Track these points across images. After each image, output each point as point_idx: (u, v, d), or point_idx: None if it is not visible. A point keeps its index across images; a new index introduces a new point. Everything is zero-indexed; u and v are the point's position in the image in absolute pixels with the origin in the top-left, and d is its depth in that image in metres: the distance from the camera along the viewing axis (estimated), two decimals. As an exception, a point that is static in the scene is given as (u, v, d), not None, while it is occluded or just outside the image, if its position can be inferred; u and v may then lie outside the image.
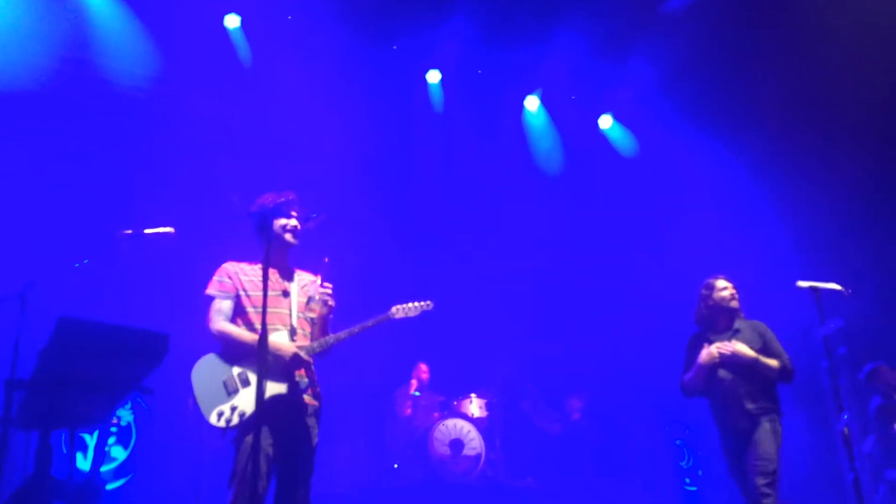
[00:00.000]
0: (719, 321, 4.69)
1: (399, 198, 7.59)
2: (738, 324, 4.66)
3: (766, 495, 4.22)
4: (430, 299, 4.04)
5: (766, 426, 4.40)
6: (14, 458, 2.97)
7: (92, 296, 4.64)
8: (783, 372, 4.51)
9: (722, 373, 4.52)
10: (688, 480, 7.35)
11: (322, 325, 3.86)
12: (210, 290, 3.75)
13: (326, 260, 3.84)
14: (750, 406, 4.43)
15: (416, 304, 4.01)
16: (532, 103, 7.95)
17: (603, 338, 7.73)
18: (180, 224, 3.90)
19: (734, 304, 4.69)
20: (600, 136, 8.16)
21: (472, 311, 7.72)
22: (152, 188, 5.92)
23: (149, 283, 5.47)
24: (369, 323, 3.85)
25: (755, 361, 4.47)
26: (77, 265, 3.94)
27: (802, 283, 4.39)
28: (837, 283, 4.41)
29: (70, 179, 5.63)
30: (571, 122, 8.03)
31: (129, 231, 3.80)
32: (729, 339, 4.57)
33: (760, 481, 4.25)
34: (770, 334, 4.65)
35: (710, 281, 4.76)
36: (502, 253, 7.95)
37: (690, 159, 7.67)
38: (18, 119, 5.37)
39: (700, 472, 6.79)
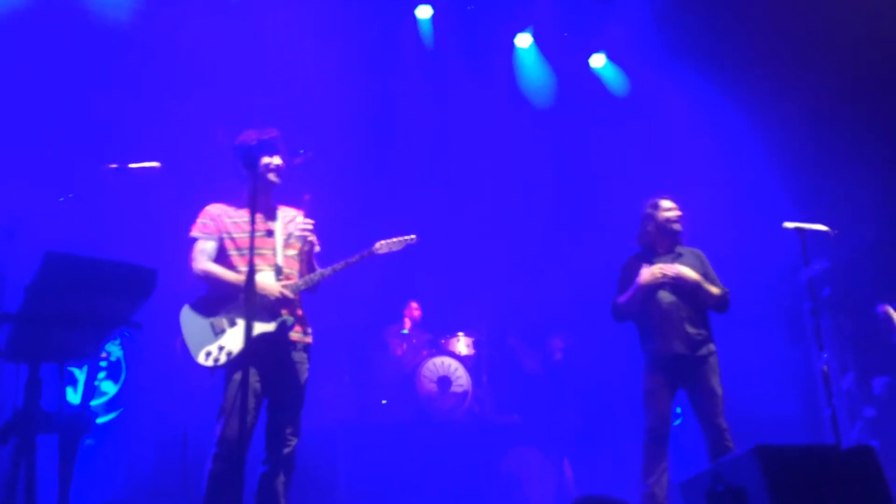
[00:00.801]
0: (661, 243, 4.57)
1: (386, 134, 7.52)
2: (679, 248, 4.57)
3: (727, 429, 4.24)
4: (415, 234, 4.04)
5: (710, 362, 4.36)
6: (4, 391, 2.98)
7: (78, 230, 4.62)
8: (722, 300, 4.43)
9: (662, 294, 4.41)
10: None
11: (307, 262, 3.86)
12: (194, 232, 3.75)
13: (307, 197, 3.81)
14: (691, 331, 4.36)
15: (400, 238, 4.01)
16: (524, 40, 7.82)
17: (587, 277, 7.76)
18: (167, 159, 3.85)
19: (678, 226, 4.58)
20: (592, 76, 8.06)
21: (460, 250, 7.74)
22: (138, 122, 5.84)
23: (135, 217, 5.45)
24: (354, 259, 3.86)
25: (698, 286, 4.37)
26: (61, 199, 3.90)
27: (788, 224, 4.41)
28: (824, 224, 4.44)
29: (54, 112, 5.53)
30: (563, 60, 7.93)
31: (115, 165, 3.75)
32: (671, 262, 4.46)
33: (722, 422, 4.25)
34: (708, 263, 4.57)
35: (657, 200, 4.63)
36: (491, 191, 7.92)
37: (682, 100, 7.60)
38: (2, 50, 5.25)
39: (679, 409, 6.91)
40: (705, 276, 4.45)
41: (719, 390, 4.34)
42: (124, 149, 4.25)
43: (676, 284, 4.37)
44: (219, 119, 4.91)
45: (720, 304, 4.45)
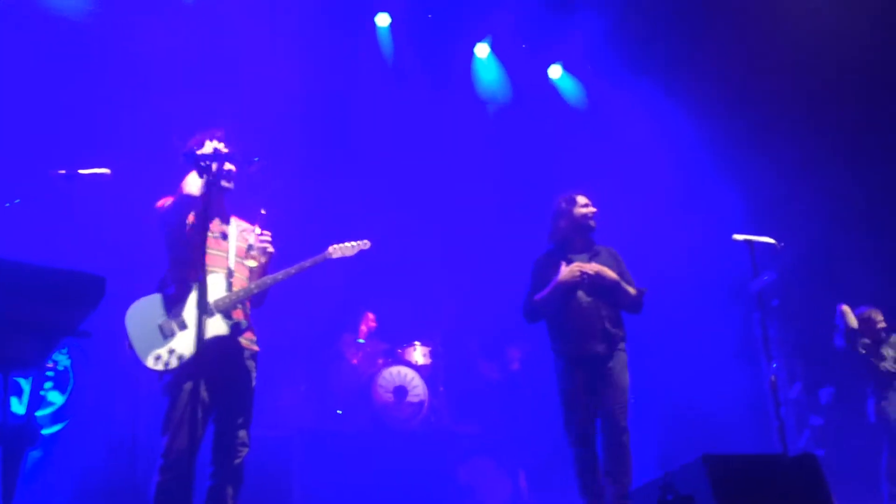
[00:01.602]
0: (576, 240, 4.48)
1: (343, 142, 7.51)
2: (596, 247, 4.51)
3: (627, 431, 4.20)
4: (369, 241, 4.06)
5: (622, 358, 4.32)
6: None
7: (25, 237, 4.52)
8: (638, 300, 4.41)
9: (581, 294, 4.33)
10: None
11: (261, 274, 3.85)
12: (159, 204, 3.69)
13: (264, 212, 3.82)
14: (611, 330, 4.31)
15: (353, 243, 4.04)
16: (482, 50, 7.89)
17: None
18: (117, 165, 3.80)
19: (593, 223, 4.50)
20: (550, 86, 8.16)
21: (416, 259, 7.74)
22: (88, 127, 5.73)
23: (85, 225, 5.35)
24: (307, 263, 3.85)
25: (617, 285, 4.34)
26: (7, 205, 3.82)
27: (738, 237, 4.50)
28: (772, 237, 4.56)
29: (1, 116, 5.41)
30: (521, 70, 8.01)
31: (63, 171, 3.68)
32: (588, 261, 4.41)
33: (623, 420, 4.20)
34: (623, 262, 4.53)
35: (573, 195, 4.54)
36: (447, 200, 7.94)
37: (636, 111, 7.73)
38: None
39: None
40: (621, 275, 4.41)
41: (626, 387, 4.31)
42: (74, 154, 4.16)
43: (594, 283, 4.31)
44: (172, 124, 4.86)
45: (635, 304, 4.42)
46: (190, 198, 3.57)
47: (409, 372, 7.09)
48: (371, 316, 7.65)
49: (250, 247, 3.81)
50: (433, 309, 7.83)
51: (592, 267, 4.33)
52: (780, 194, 7.00)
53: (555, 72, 8.12)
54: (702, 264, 4.96)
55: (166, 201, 3.68)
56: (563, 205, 4.50)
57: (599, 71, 7.83)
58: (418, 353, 7.37)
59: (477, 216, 8.05)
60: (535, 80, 8.09)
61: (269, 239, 3.80)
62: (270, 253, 3.81)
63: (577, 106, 8.20)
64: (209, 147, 3.65)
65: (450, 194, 7.95)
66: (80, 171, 3.73)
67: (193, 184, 3.56)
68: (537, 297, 4.38)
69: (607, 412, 4.24)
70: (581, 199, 4.53)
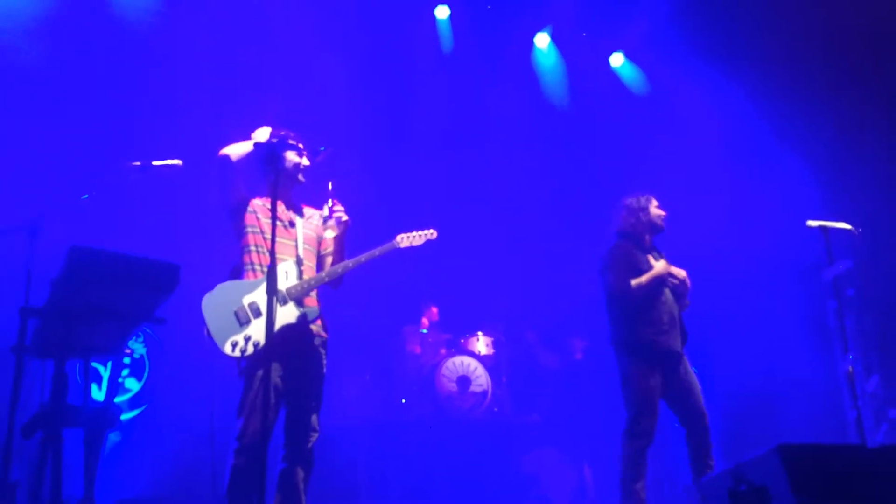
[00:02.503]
0: (645, 239, 4.57)
1: (405, 134, 7.51)
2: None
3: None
4: (434, 229, 4.07)
5: (686, 364, 4.44)
6: (30, 387, 3.02)
7: (103, 227, 4.66)
8: (683, 310, 4.55)
9: (667, 292, 4.44)
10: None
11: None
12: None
13: (331, 186, 3.83)
14: (683, 332, 4.43)
15: (420, 232, 4.04)
16: (542, 40, 7.81)
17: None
18: (188, 156, 3.88)
19: (663, 226, 4.62)
20: (611, 74, 8.02)
21: (479, 250, 7.73)
22: (161, 121, 5.87)
23: (159, 214, 5.49)
24: (376, 252, 3.88)
25: (686, 291, 4.46)
26: (85, 196, 3.95)
27: (812, 223, 4.36)
28: (849, 223, 4.38)
29: (78, 111, 5.59)
30: (582, 59, 7.90)
31: (138, 163, 3.78)
32: (661, 261, 4.50)
33: (707, 421, 4.32)
34: None
35: (647, 196, 4.65)
36: (510, 191, 7.90)
37: (703, 97, 7.54)
38: (26, 52, 5.31)
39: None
40: None
41: (699, 389, 4.43)
42: (148, 147, 4.28)
43: (676, 285, 4.46)
44: (239, 118, 4.94)
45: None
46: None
47: (472, 362, 7.11)
48: (434, 310, 7.68)
49: (326, 219, 3.82)
50: (496, 299, 7.80)
51: (681, 272, 4.45)
52: (857, 180, 6.72)
53: (616, 60, 7.98)
54: (772, 251, 4.81)
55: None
56: (639, 202, 4.60)
57: (662, 57, 7.65)
58: (481, 344, 7.37)
59: (538, 206, 7.98)
60: (597, 69, 7.96)
61: (343, 208, 3.83)
62: (346, 222, 3.83)
63: (640, 93, 8.04)
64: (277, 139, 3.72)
65: (512, 184, 7.90)
66: (154, 163, 3.81)
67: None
68: (635, 283, 4.40)
69: (692, 404, 4.35)
70: (655, 202, 4.65)
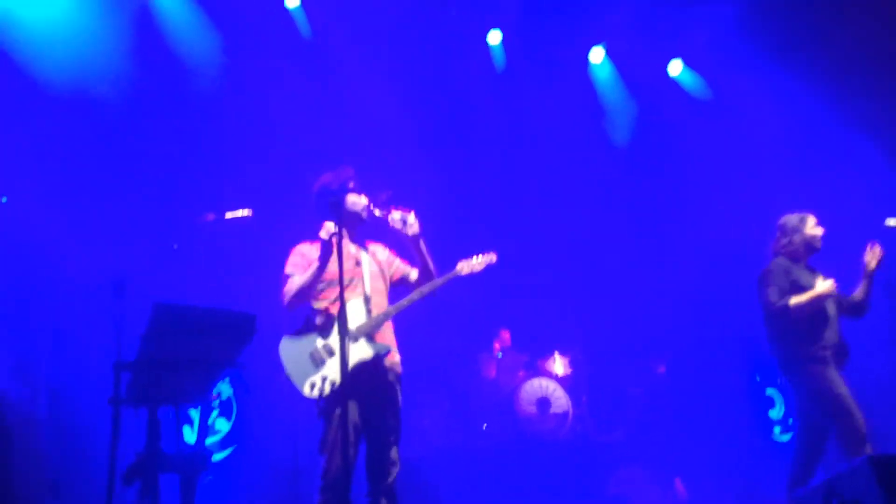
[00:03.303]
0: (802, 258, 4.63)
1: (466, 158, 7.60)
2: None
3: None
4: (497, 253, 4.16)
5: None
6: (126, 435, 3.23)
7: (181, 279, 4.90)
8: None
9: (831, 309, 4.51)
10: (778, 430, 7.21)
11: (420, 252, 3.97)
12: (287, 269, 3.93)
13: (386, 194, 3.95)
14: (845, 350, 4.51)
15: (480, 258, 4.13)
16: (597, 55, 7.81)
17: (684, 288, 7.59)
18: (257, 206, 4.08)
19: (820, 245, 4.65)
20: (671, 83, 7.95)
21: (545, 268, 7.73)
22: (228, 174, 6.13)
23: (232, 265, 5.72)
24: (438, 282, 3.99)
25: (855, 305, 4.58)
26: (175, 246, 4.17)
27: (892, 221, 4.28)
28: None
29: (147, 170, 5.88)
30: (639, 70, 7.85)
31: (212, 216, 3.99)
32: (818, 279, 4.52)
33: None
34: None
35: (805, 215, 4.68)
36: (577, 207, 7.88)
37: (770, 100, 7.37)
38: (106, 120, 5.65)
39: (791, 421, 6.66)
40: None
41: None
42: (218, 200, 4.51)
43: (837, 301, 4.58)
44: (301, 161, 5.15)
45: None
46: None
47: (550, 383, 7.11)
48: (506, 334, 7.69)
49: (404, 220, 3.89)
50: (569, 317, 7.80)
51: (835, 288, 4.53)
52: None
53: (675, 68, 7.90)
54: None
55: (296, 283, 3.86)
56: (797, 222, 4.68)
57: (724, 61, 7.52)
58: (558, 364, 7.38)
59: (606, 220, 7.93)
60: (654, 79, 7.89)
61: (403, 211, 3.91)
62: (412, 224, 3.89)
63: (702, 99, 7.93)
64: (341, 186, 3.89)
65: (578, 199, 7.87)
66: (227, 215, 4.00)
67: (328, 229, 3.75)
68: (794, 302, 4.46)
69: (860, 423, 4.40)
70: (812, 220, 4.70)
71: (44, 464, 4.82)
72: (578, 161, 7.83)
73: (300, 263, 3.92)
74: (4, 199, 4.52)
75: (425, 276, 4.03)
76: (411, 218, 3.90)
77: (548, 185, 7.86)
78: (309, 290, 3.82)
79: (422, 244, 3.98)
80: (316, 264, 3.78)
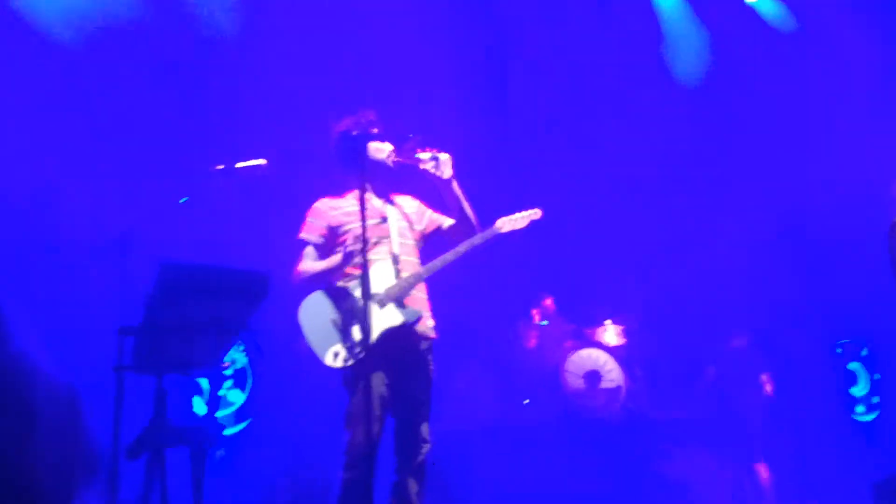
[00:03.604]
0: None
1: (505, 103, 7.57)
2: None
3: None
4: (541, 209, 4.14)
5: None
6: (131, 405, 3.34)
7: (191, 236, 5.00)
8: None
9: None
10: (861, 409, 7.15)
11: (454, 197, 3.99)
12: (302, 234, 3.99)
13: (413, 140, 3.95)
14: None
15: (523, 214, 4.12)
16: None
17: (758, 251, 7.46)
18: (272, 155, 4.12)
19: None
20: (747, 10, 7.75)
21: (600, 226, 7.71)
22: (240, 121, 6.18)
23: (245, 218, 5.81)
24: (476, 239, 4.00)
25: None
26: (184, 199, 4.25)
27: None
28: None
29: (150, 121, 5.96)
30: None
31: (222, 166, 4.04)
32: None
33: None
34: None
35: None
36: (633, 155, 7.78)
37: (867, 35, 7.13)
38: (106, 63, 5.75)
39: (877, 399, 6.60)
40: None
41: None
42: (229, 149, 4.58)
43: None
44: (319, 104, 5.17)
45: None
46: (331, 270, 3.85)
47: (601, 354, 7.13)
48: (549, 301, 7.68)
49: (436, 160, 3.91)
50: (623, 280, 7.76)
51: None
52: None
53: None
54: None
55: (305, 269, 3.92)
56: None
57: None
58: (610, 333, 7.38)
59: (668, 169, 7.85)
60: (728, 6, 7.70)
61: (434, 150, 3.93)
62: (443, 161, 3.90)
63: (784, 31, 7.71)
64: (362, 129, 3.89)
65: (632, 146, 7.76)
66: (238, 165, 4.05)
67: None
68: None
69: None
70: None
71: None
72: (638, 102, 7.71)
73: (317, 226, 3.97)
74: None
75: (464, 224, 4.04)
76: (444, 156, 3.91)
77: (600, 129, 7.77)
78: (328, 279, 3.87)
79: (457, 187, 3.99)
80: (338, 259, 3.82)
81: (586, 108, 7.73)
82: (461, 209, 4.04)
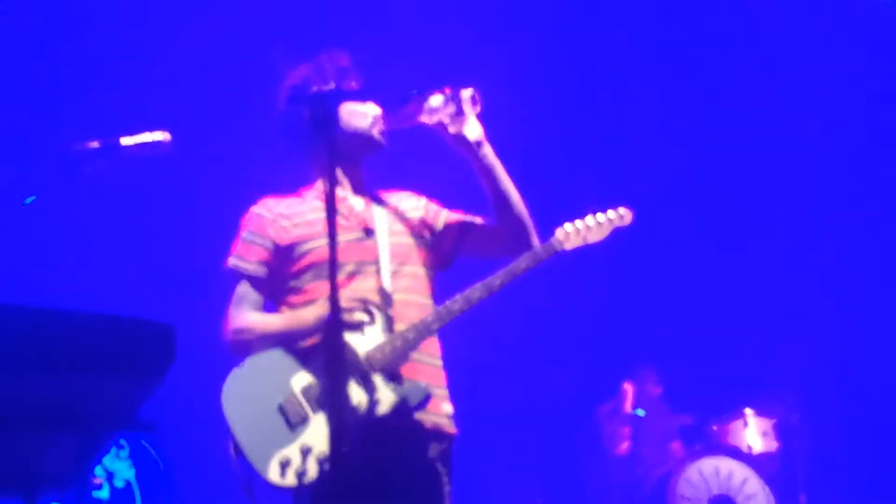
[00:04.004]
0: None
1: (568, 54, 7.91)
2: None
3: None
4: (629, 208, 4.17)
5: None
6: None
7: (39, 259, 4.95)
8: None
9: None
10: None
11: (487, 173, 4.02)
12: (233, 260, 4.01)
13: (414, 98, 3.96)
14: None
15: (600, 217, 4.12)
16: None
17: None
18: (180, 126, 4.07)
19: None
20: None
21: (731, 252, 8.03)
22: (126, 75, 6.28)
23: (135, 228, 5.79)
24: (521, 264, 3.97)
25: None
26: (30, 199, 4.22)
27: None
28: None
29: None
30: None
31: (96, 143, 3.97)
32: None
33: None
34: None
35: None
36: (778, 158, 8.31)
37: None
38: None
39: None
40: None
41: None
42: (110, 117, 4.58)
43: None
44: (253, 51, 5.23)
45: None
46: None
47: (737, 468, 7.22)
48: (651, 373, 7.89)
49: (456, 101, 3.89)
50: (771, 350, 7.93)
51: None
52: None
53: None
54: None
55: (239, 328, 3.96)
56: None
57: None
58: (752, 432, 7.52)
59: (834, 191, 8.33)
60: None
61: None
62: (473, 110, 3.90)
63: None
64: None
65: (776, 143, 8.31)
66: (125, 141, 3.98)
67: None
68: None
69: None
70: None
71: None
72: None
73: (257, 246, 3.99)
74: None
75: (509, 215, 4.05)
76: (466, 93, 3.88)
77: (716, 104, 8.26)
78: (278, 341, 3.90)
79: (489, 152, 3.99)
80: (307, 319, 3.83)
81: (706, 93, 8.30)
82: (498, 191, 4.03)
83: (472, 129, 3.93)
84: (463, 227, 4.16)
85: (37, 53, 6.20)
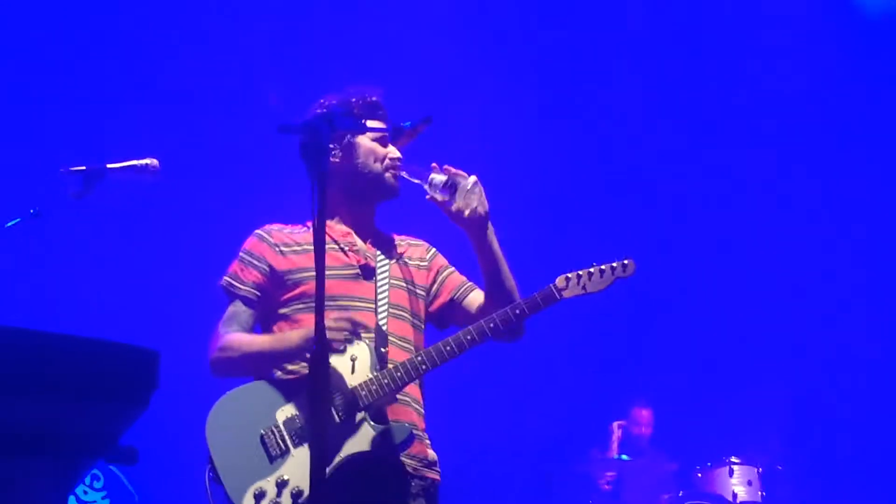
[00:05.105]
0: None
1: (571, 90, 8.08)
2: None
3: None
4: (631, 258, 4.15)
5: None
6: None
7: (24, 279, 4.93)
8: None
9: None
10: None
11: (487, 255, 4.03)
12: (227, 279, 4.04)
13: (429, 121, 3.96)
14: None
15: (604, 267, 4.09)
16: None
17: None
18: (168, 153, 4.05)
19: None
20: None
21: (722, 307, 8.13)
22: (119, 98, 6.35)
23: (120, 257, 5.78)
24: (518, 310, 3.95)
25: None
26: (33, 211, 4.25)
27: None
28: None
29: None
30: None
31: (82, 168, 3.94)
32: None
33: None
34: None
35: None
36: (774, 192, 8.55)
37: None
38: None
39: None
40: None
41: None
42: (98, 140, 4.58)
43: None
44: (263, 81, 5.22)
45: None
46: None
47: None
48: (645, 414, 7.91)
49: (454, 186, 3.88)
50: (761, 396, 7.94)
51: None
52: None
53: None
54: None
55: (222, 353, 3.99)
56: None
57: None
58: (737, 480, 7.49)
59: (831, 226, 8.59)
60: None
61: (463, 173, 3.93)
62: (478, 197, 3.87)
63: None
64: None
65: (772, 175, 8.61)
66: (109, 166, 3.96)
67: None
68: None
69: None
70: None
71: None
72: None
73: (255, 269, 4.01)
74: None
75: (497, 296, 4.06)
76: (469, 180, 3.88)
77: (711, 144, 8.52)
78: (266, 367, 3.92)
79: (492, 236, 3.99)
80: (293, 341, 3.86)
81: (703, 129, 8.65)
82: (495, 272, 4.07)
83: (477, 206, 3.90)
84: (458, 293, 4.22)
85: (25, 76, 6.21)
